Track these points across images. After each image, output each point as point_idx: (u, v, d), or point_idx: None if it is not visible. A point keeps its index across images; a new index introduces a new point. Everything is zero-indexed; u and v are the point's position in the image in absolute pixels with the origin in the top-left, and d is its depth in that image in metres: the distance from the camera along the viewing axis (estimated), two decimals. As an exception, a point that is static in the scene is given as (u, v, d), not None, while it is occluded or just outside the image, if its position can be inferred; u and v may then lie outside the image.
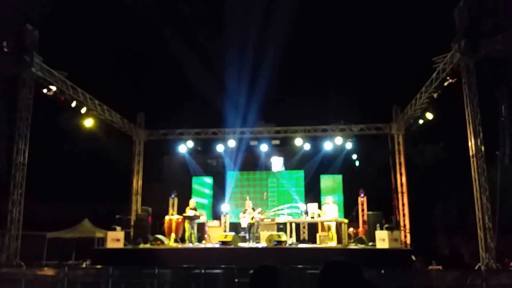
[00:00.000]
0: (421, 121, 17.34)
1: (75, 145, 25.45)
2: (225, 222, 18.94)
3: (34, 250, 19.56)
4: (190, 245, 15.96)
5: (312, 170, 22.01)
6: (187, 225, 16.39)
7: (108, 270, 12.51)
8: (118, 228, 15.75)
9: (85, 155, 27.44)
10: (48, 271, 13.26)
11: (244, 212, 16.82)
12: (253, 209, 16.80)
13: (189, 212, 16.44)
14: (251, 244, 15.96)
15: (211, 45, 30.13)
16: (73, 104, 16.02)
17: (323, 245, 16.47)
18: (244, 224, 16.83)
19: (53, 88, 14.93)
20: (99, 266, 13.47)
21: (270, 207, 20.14)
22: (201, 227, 17.74)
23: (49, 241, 22.30)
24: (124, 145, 20.72)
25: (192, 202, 16.89)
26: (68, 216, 23.53)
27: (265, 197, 19.83)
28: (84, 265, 15.02)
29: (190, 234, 16.26)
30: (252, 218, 16.42)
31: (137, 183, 20.24)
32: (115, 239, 15.19)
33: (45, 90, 14.80)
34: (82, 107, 16.45)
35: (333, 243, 15.89)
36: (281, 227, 17.76)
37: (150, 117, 21.13)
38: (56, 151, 26.56)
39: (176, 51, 26.87)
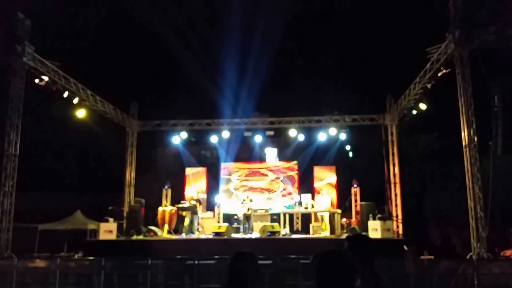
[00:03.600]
0: (414, 112, 17.37)
1: (68, 136, 25.27)
2: (218, 213, 18.93)
3: (26, 242, 19.42)
4: (183, 236, 15.96)
5: (306, 161, 22.02)
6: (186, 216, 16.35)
7: (100, 261, 12.47)
8: (111, 219, 15.72)
9: (78, 146, 27.30)
10: (40, 263, 13.19)
11: (242, 203, 16.85)
12: (251, 200, 16.84)
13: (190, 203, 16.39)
14: (244, 235, 15.98)
15: (205, 35, 30.02)
16: (65, 94, 15.89)
17: (316, 235, 16.52)
18: (240, 215, 16.85)
19: (45, 78, 14.79)
20: (91, 258, 13.41)
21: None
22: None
23: (40, 233, 22.15)
24: (117, 136, 20.61)
25: (195, 193, 16.78)
26: (60, 207, 23.39)
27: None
28: (76, 257, 14.98)
29: (189, 223, 16.21)
30: (248, 209, 16.43)
31: (130, 174, 20.16)
32: (108, 230, 15.15)
33: (37, 80, 14.67)
34: (74, 97, 16.31)
35: (326, 233, 15.96)
36: (275, 218, 17.82)
37: (143, 107, 21.03)
38: (48, 142, 26.41)
39: (170, 41, 26.74)
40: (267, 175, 20.83)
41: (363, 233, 8.53)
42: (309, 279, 3.74)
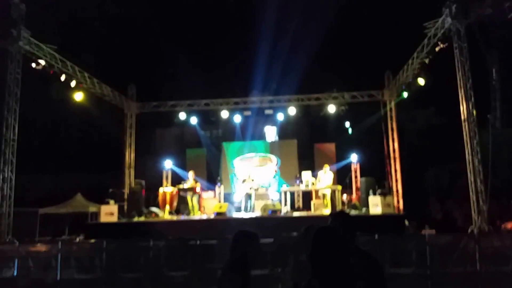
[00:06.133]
0: (413, 87, 17.32)
1: (66, 119, 25.22)
2: (219, 193, 18.94)
3: (27, 226, 19.55)
4: (185, 216, 15.99)
5: (306, 138, 21.99)
6: (189, 197, 16.37)
7: (102, 244, 12.49)
8: (112, 201, 15.68)
9: (76, 129, 27.26)
10: (41, 247, 13.26)
11: (243, 182, 16.85)
12: (252, 180, 16.84)
13: (189, 184, 16.40)
14: (246, 214, 16.00)
15: (203, 15, 29.75)
16: (63, 77, 15.83)
17: (317, 213, 16.53)
18: (240, 194, 16.86)
19: (42, 62, 14.74)
20: (93, 241, 13.46)
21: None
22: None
23: (41, 217, 22.25)
24: (116, 118, 20.56)
25: (191, 174, 16.78)
26: (60, 191, 23.49)
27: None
28: (77, 240, 15.04)
29: (193, 206, 16.26)
30: (250, 188, 16.45)
31: (130, 156, 20.16)
32: (109, 213, 15.12)
33: (33, 64, 14.62)
34: (72, 80, 16.25)
35: (327, 210, 15.97)
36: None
37: (141, 89, 20.95)
38: (47, 126, 26.37)
39: (166, 21, 26.52)
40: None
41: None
42: (298, 254, 3.76)
